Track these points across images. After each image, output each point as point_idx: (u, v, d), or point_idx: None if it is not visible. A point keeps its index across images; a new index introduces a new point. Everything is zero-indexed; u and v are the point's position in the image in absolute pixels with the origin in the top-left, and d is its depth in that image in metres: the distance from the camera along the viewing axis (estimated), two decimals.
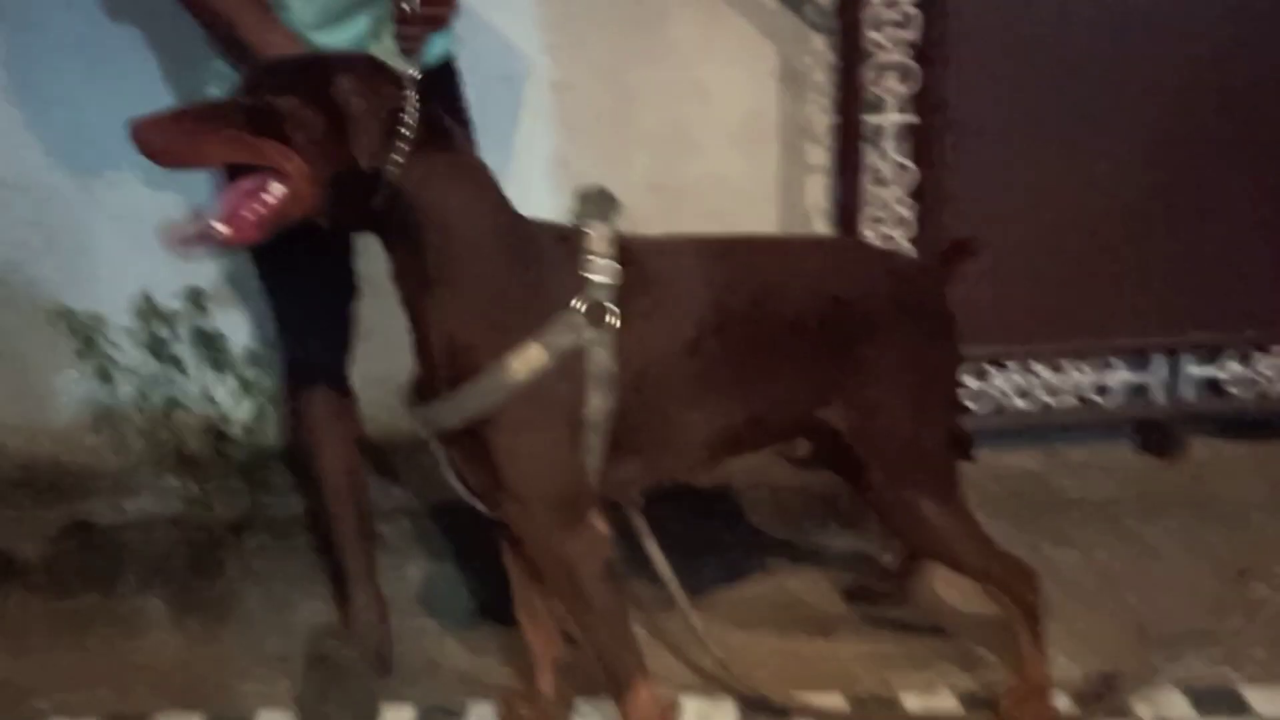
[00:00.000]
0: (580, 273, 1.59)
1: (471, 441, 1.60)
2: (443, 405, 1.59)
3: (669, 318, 1.65)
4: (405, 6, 1.63)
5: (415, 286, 1.58)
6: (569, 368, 1.56)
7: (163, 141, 1.47)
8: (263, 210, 1.49)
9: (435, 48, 1.86)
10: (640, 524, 1.88)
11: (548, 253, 1.61)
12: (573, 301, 1.57)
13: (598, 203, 1.67)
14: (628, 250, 1.64)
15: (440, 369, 1.59)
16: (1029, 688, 1.87)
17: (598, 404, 1.59)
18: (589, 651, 1.73)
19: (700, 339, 1.66)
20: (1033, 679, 1.87)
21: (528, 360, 1.54)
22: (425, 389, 1.65)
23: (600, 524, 1.66)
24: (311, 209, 1.51)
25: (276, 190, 1.48)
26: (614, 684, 1.71)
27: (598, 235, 1.64)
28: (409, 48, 1.63)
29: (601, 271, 1.59)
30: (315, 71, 1.50)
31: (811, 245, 1.91)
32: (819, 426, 1.80)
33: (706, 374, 1.68)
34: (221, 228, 1.49)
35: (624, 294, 1.60)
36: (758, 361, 1.72)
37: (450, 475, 1.72)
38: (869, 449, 1.78)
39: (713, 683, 2.02)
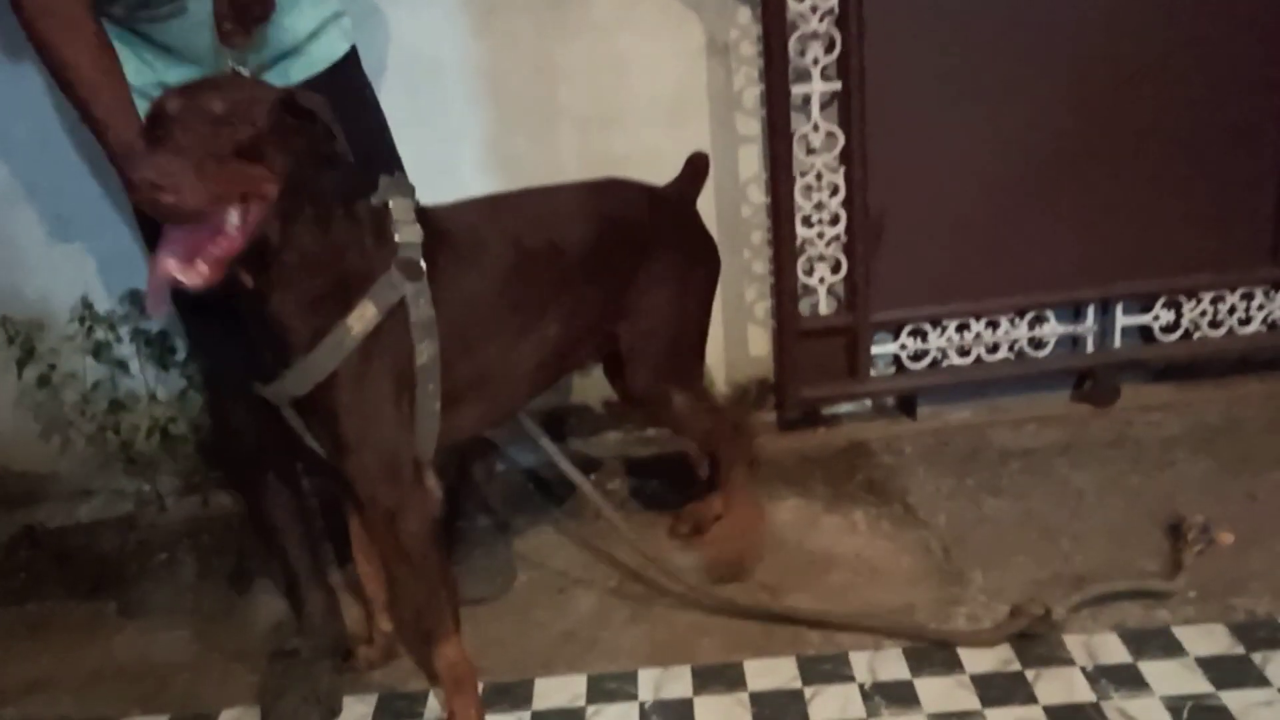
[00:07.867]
0: (393, 239, 1.76)
1: (318, 404, 1.74)
2: (294, 373, 1.72)
3: (475, 265, 1.86)
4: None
5: (262, 285, 1.66)
6: (396, 321, 1.74)
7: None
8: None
9: (332, 45, 1.90)
10: (531, 427, 2.14)
11: (365, 229, 1.75)
12: (391, 263, 1.74)
13: (399, 187, 1.82)
14: (426, 216, 1.83)
15: (292, 344, 1.71)
16: (742, 520, 2.29)
17: (427, 350, 1.77)
18: (405, 602, 1.90)
19: (505, 280, 1.88)
20: (749, 510, 2.31)
21: (363, 317, 1.71)
22: (274, 366, 1.75)
23: (432, 483, 1.84)
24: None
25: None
26: (426, 637, 1.90)
27: (399, 206, 1.80)
28: (234, 43, 1.70)
29: (409, 235, 1.77)
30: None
31: (584, 187, 2.10)
32: (612, 339, 2.08)
33: (518, 310, 1.90)
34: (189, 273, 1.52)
35: (431, 251, 1.79)
36: (559, 292, 1.95)
37: (308, 438, 1.83)
38: (636, 350, 2.08)
39: (641, 580, 2.24)
